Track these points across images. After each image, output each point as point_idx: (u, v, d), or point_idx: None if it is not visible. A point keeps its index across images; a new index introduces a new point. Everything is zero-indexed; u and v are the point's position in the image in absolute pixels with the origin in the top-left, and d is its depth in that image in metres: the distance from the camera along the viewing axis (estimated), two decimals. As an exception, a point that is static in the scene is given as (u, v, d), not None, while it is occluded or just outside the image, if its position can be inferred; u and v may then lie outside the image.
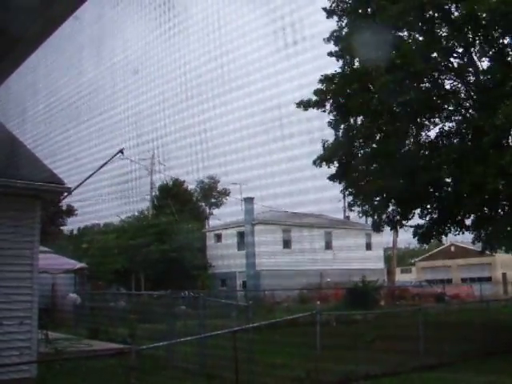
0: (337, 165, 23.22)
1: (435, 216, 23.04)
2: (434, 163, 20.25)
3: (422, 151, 22.18)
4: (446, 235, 24.47)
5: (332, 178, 23.59)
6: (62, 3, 2.87)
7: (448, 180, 21.55)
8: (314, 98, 22.80)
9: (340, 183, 24.12)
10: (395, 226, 24.73)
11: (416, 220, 23.57)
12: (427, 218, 23.08)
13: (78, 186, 24.38)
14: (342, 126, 23.36)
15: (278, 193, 56.26)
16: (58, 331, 20.31)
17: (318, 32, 23.13)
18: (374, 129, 22.54)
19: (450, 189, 21.84)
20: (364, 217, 25.38)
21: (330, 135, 23.57)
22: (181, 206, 57.59)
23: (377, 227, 24.41)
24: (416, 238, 23.84)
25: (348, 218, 56.47)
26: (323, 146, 23.27)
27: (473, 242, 24.81)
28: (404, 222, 24.01)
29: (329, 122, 23.14)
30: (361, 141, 23.42)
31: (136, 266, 44.57)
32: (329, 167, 23.13)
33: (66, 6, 2.89)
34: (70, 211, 55.50)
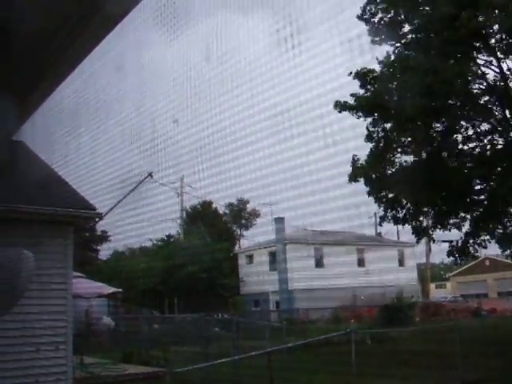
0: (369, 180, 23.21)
1: (469, 229, 22.70)
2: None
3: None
4: (486, 247, 23.72)
5: (369, 193, 23.51)
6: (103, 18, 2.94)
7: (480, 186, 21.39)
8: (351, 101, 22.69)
9: (373, 196, 23.97)
10: (430, 236, 24.15)
11: (452, 235, 23.29)
12: (463, 230, 22.72)
13: (109, 211, 24.67)
14: (377, 134, 23.19)
15: (308, 212, 56.09)
16: (93, 356, 20.36)
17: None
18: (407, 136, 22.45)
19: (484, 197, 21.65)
20: (396, 225, 25.02)
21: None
22: (211, 227, 57.68)
23: (417, 234, 23.93)
24: (451, 256, 23.41)
25: (380, 234, 55.97)
26: (353, 163, 23.18)
27: None
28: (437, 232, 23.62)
29: (366, 136, 23.08)
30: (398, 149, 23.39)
31: (168, 289, 44.66)
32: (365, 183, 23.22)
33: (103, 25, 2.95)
34: (104, 237, 55.95)
